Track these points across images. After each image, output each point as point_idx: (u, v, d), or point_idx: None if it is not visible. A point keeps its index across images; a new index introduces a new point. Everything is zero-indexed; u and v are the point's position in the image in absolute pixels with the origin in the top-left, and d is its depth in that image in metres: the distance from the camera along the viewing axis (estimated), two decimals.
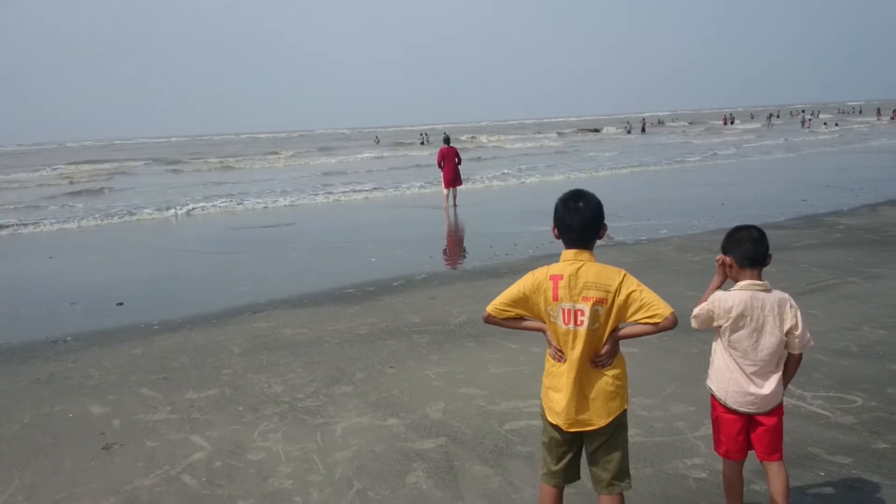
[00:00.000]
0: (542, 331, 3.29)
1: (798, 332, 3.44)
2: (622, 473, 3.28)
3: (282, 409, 5.72)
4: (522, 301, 3.25)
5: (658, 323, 3.09)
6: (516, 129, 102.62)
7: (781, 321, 3.44)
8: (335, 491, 4.39)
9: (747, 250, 3.48)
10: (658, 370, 6.13)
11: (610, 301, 3.12)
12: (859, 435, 4.77)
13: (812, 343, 3.57)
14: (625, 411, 3.28)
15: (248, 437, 5.23)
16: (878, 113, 79.55)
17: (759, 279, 3.49)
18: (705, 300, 3.55)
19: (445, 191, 19.34)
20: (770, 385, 3.48)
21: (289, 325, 8.22)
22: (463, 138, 63.24)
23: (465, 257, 12.83)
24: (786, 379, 3.56)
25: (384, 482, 4.47)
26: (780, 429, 3.58)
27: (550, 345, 3.27)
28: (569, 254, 3.22)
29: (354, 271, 11.30)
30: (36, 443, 5.33)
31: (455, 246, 14.48)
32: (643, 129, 74.50)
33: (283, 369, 6.67)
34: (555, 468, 3.36)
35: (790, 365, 3.56)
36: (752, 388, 3.48)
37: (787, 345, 3.49)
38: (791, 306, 3.48)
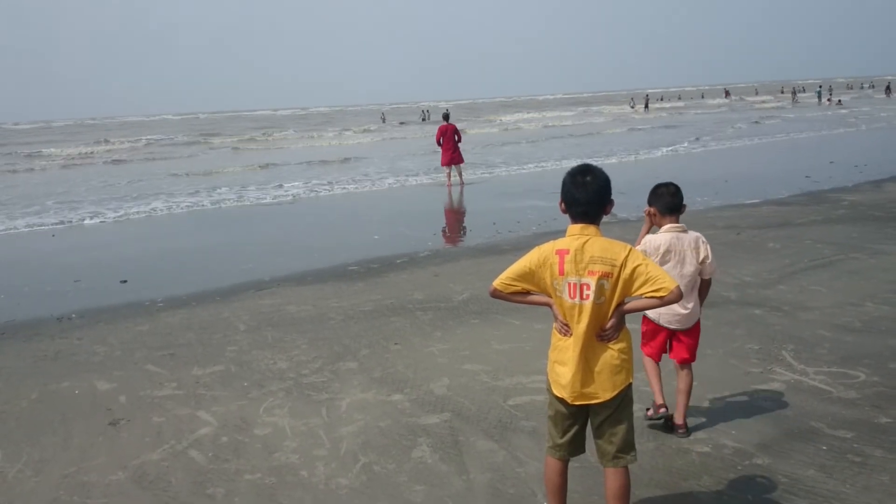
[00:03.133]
0: (549, 305, 3.30)
1: (709, 262, 4.44)
2: (627, 446, 3.30)
3: (287, 385, 5.75)
4: (529, 275, 3.25)
5: (664, 296, 3.10)
6: (523, 107, 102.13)
7: (697, 254, 4.42)
8: (341, 465, 4.43)
9: (667, 202, 4.45)
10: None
11: (616, 275, 3.13)
12: (861, 410, 4.79)
13: (717, 272, 4.61)
14: (630, 385, 3.30)
15: (254, 412, 5.27)
16: (888, 89, 78.68)
17: (678, 223, 4.46)
18: (638, 244, 4.40)
19: (447, 168, 19.26)
20: (691, 305, 4.46)
21: (293, 301, 8.24)
22: (463, 118, 62.87)
23: (468, 234, 12.83)
24: (701, 300, 4.58)
25: (390, 456, 4.50)
26: (696, 342, 4.63)
27: (557, 319, 3.28)
28: (575, 228, 3.22)
29: (357, 248, 11.31)
30: (44, 419, 5.37)
31: (458, 223, 14.50)
32: (646, 106, 73.99)
33: (289, 346, 6.70)
34: (560, 441, 3.38)
35: (703, 290, 4.56)
36: (680, 309, 4.44)
37: (701, 272, 4.46)
38: (703, 242, 4.46)
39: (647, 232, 4.52)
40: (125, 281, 9.90)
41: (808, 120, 41.66)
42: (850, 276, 8.09)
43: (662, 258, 4.38)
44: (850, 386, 5.18)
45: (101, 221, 15.81)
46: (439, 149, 19.48)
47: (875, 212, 12.03)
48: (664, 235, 4.44)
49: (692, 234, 4.47)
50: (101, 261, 11.74)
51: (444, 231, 13.41)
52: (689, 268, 4.40)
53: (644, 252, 4.07)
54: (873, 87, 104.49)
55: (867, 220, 11.27)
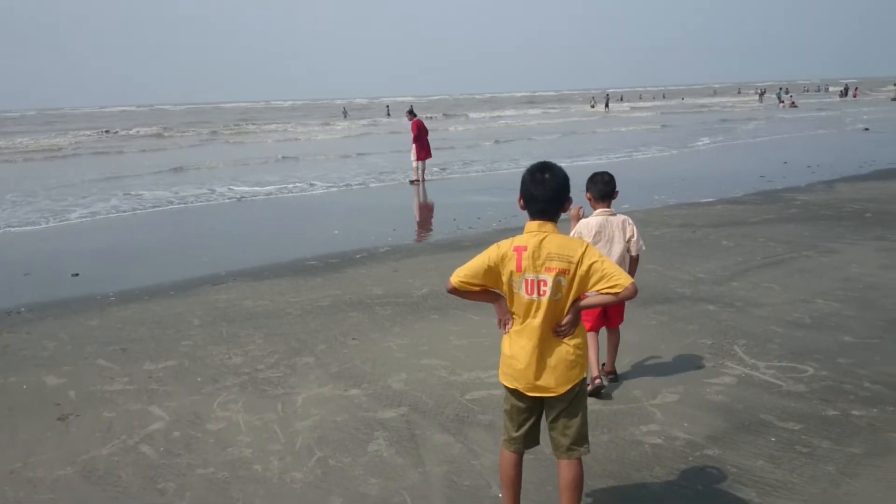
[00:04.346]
0: (494, 302, 3.31)
1: (634, 239, 5.04)
2: (581, 439, 3.33)
3: (242, 380, 5.68)
4: (487, 273, 3.23)
5: (618, 293, 3.13)
6: (489, 105, 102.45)
7: (624, 233, 5.03)
8: (296, 459, 4.39)
9: (600, 189, 5.04)
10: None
11: (572, 272, 3.14)
12: (810, 403, 4.89)
13: (644, 248, 5.15)
14: (584, 379, 3.32)
15: (208, 407, 5.20)
16: (845, 91, 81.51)
17: (609, 208, 5.05)
18: (573, 229, 5.01)
19: (416, 163, 19.10)
20: None
21: (249, 296, 8.15)
22: (432, 115, 62.73)
23: (428, 230, 12.84)
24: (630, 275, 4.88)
25: (346, 450, 4.48)
26: (623, 309, 5.26)
27: (499, 313, 3.30)
28: (533, 225, 3.23)
29: (317, 243, 11.23)
30: None
31: (419, 219, 14.50)
32: (607, 105, 74.58)
33: (244, 341, 6.62)
34: (515, 434, 3.39)
35: (632, 266, 5.10)
36: None
37: (629, 249, 5.04)
38: (629, 224, 5.07)
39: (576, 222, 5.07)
40: (77, 274, 9.70)
41: (801, 120, 41.89)
42: (801, 273, 8.26)
43: (595, 238, 4.98)
44: (800, 380, 5.29)
45: (53, 214, 15.44)
46: (412, 145, 19.10)
47: (826, 211, 12.31)
48: (596, 219, 5.04)
49: (619, 217, 5.09)
50: (52, 253, 11.49)
51: (404, 226, 13.36)
52: (618, 246, 5.03)
53: (578, 233, 4.95)
54: (828, 89, 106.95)
55: (818, 220, 11.52)
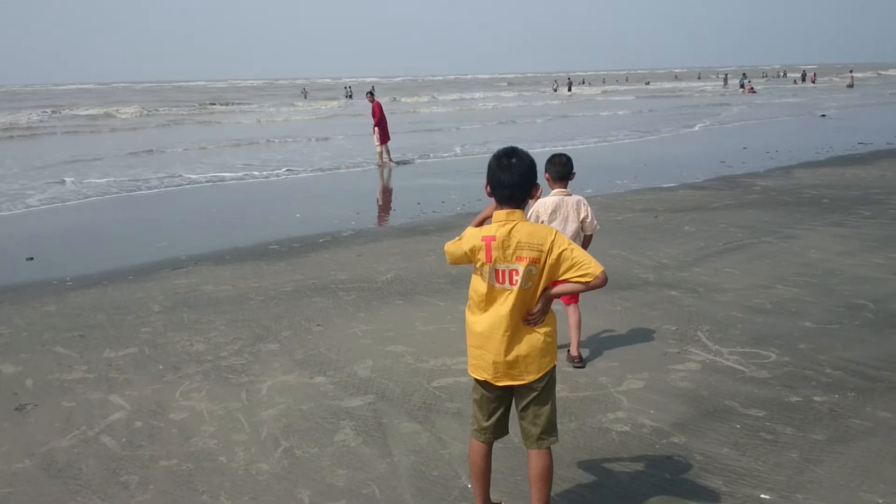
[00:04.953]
0: None
1: (588, 220, 5.33)
2: (551, 428, 3.32)
3: (205, 368, 5.58)
4: (465, 257, 3.28)
5: (589, 282, 3.12)
6: (457, 86, 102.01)
7: (578, 213, 5.31)
8: (261, 450, 4.32)
9: (558, 170, 5.31)
10: (581, 327, 6.22)
11: (543, 260, 3.12)
12: (773, 389, 4.96)
13: (598, 227, 5.45)
14: (554, 367, 3.31)
15: (170, 396, 5.10)
16: (803, 77, 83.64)
17: (565, 188, 5.33)
18: (531, 208, 5.25)
19: (381, 147, 18.96)
20: None
21: (211, 281, 8.02)
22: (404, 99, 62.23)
23: (392, 214, 12.76)
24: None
25: (312, 440, 4.42)
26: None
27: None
28: (500, 214, 3.20)
29: (279, 227, 11.09)
30: None
31: (383, 203, 14.41)
32: (569, 89, 74.86)
33: (206, 327, 6.51)
34: (485, 424, 3.37)
35: (585, 243, 5.37)
36: None
37: (583, 228, 5.33)
38: (584, 204, 5.35)
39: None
40: (31, 258, 9.45)
41: (766, 106, 42.25)
42: (761, 259, 8.37)
43: (551, 216, 5.26)
44: (762, 366, 5.36)
45: (8, 198, 14.97)
46: (374, 129, 18.90)
47: (785, 197, 12.50)
48: (552, 198, 5.31)
49: (575, 197, 5.36)
50: (4, 237, 11.18)
51: (367, 210, 13.27)
52: (572, 225, 5.30)
53: (536, 212, 5.24)
54: (786, 75, 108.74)
55: (777, 205, 11.70)
